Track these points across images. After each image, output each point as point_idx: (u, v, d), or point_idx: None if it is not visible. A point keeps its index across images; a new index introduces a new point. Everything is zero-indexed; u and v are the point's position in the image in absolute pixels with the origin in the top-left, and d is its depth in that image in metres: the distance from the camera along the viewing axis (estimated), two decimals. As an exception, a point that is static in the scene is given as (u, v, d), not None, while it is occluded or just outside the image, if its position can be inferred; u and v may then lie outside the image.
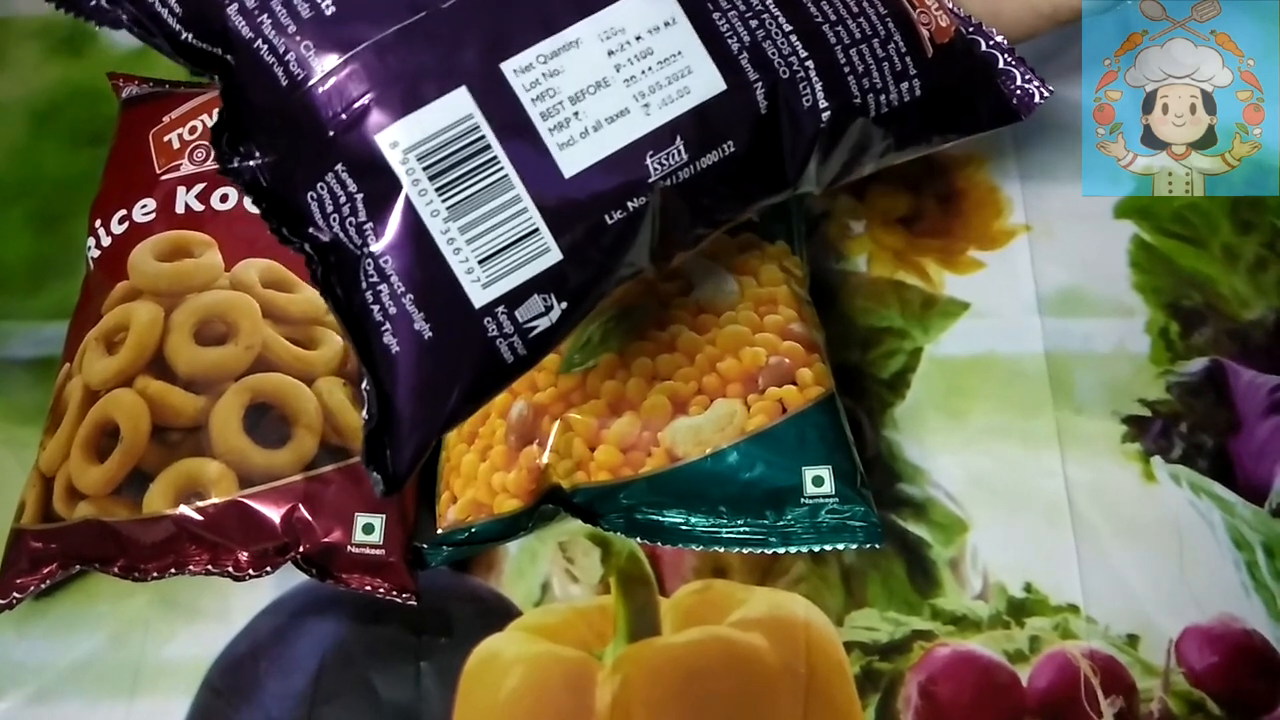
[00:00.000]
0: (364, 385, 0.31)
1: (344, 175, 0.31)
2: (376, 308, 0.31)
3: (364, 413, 0.31)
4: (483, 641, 0.42)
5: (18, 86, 0.55)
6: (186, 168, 0.45)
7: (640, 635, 0.42)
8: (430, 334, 0.31)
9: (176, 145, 0.46)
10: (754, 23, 0.34)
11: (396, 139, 0.31)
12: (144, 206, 0.45)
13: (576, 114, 0.32)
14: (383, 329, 0.31)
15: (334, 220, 0.31)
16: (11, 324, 0.49)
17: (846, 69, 0.35)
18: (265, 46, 0.31)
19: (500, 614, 0.43)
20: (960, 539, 0.45)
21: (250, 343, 0.42)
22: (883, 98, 0.36)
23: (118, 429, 0.41)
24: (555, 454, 0.42)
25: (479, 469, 0.42)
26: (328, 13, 0.31)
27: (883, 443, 0.46)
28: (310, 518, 0.40)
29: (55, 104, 0.54)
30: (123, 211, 0.45)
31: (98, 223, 0.45)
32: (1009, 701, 0.42)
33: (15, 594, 0.40)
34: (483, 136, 0.31)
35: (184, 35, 0.32)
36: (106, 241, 0.45)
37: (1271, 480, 0.46)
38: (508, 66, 0.31)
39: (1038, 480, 0.46)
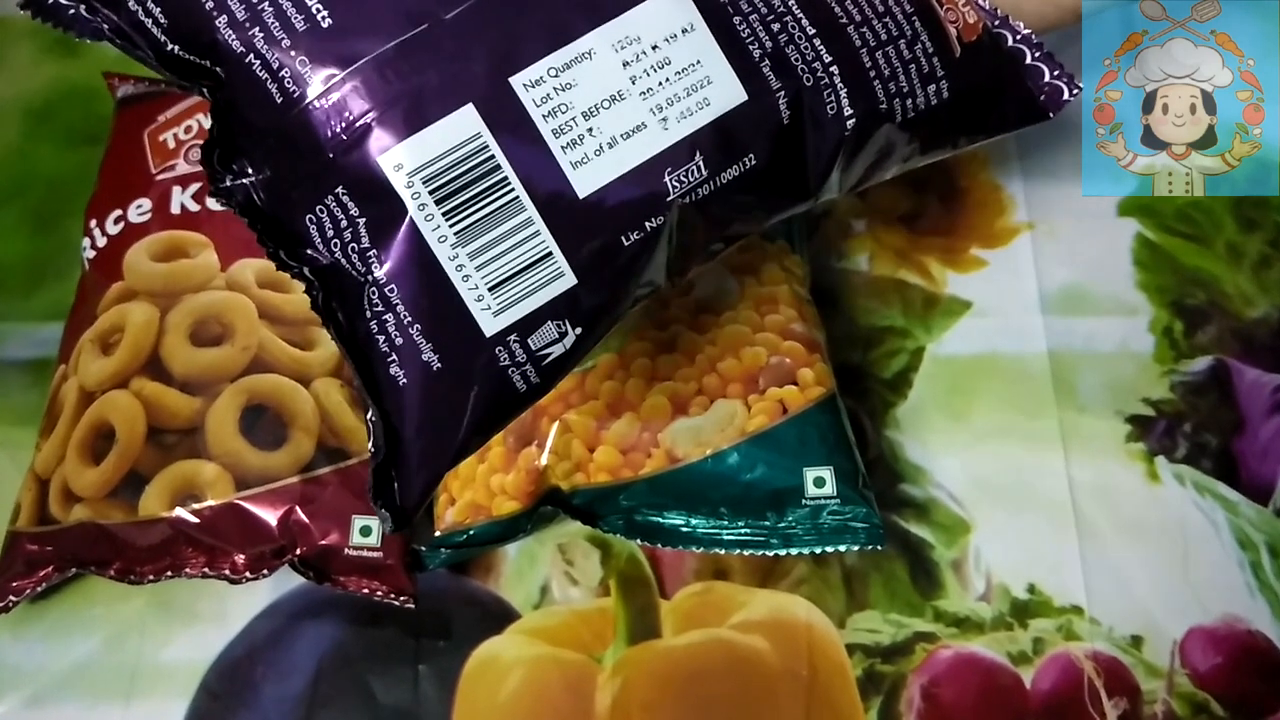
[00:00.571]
0: (370, 416, 0.30)
1: (345, 199, 0.29)
2: (382, 338, 0.30)
3: (370, 445, 0.30)
4: (481, 644, 0.42)
5: (12, 86, 0.54)
6: (182, 167, 0.45)
7: (640, 638, 0.42)
8: (439, 365, 0.30)
9: (172, 145, 0.46)
10: (776, 26, 0.32)
11: (400, 161, 0.29)
12: (139, 206, 0.45)
13: (591, 130, 0.30)
14: (389, 360, 0.30)
15: (335, 245, 0.30)
16: (7, 325, 0.48)
17: (872, 73, 0.33)
18: (258, 61, 0.30)
19: (499, 617, 0.43)
20: (963, 540, 0.44)
21: (246, 343, 0.42)
22: (909, 102, 0.34)
23: (113, 431, 0.40)
24: (554, 455, 0.41)
25: (477, 470, 0.42)
26: (324, 25, 0.29)
27: (885, 443, 0.46)
28: (307, 520, 0.40)
29: (50, 103, 0.54)
30: (118, 211, 0.45)
31: (93, 223, 0.45)
32: (1012, 703, 0.42)
33: (11, 597, 0.40)
34: (492, 156, 0.29)
35: (169, 46, 0.31)
36: (102, 242, 0.44)
37: (1276, 480, 0.46)
38: (517, 80, 0.30)
39: (1041, 480, 0.45)
